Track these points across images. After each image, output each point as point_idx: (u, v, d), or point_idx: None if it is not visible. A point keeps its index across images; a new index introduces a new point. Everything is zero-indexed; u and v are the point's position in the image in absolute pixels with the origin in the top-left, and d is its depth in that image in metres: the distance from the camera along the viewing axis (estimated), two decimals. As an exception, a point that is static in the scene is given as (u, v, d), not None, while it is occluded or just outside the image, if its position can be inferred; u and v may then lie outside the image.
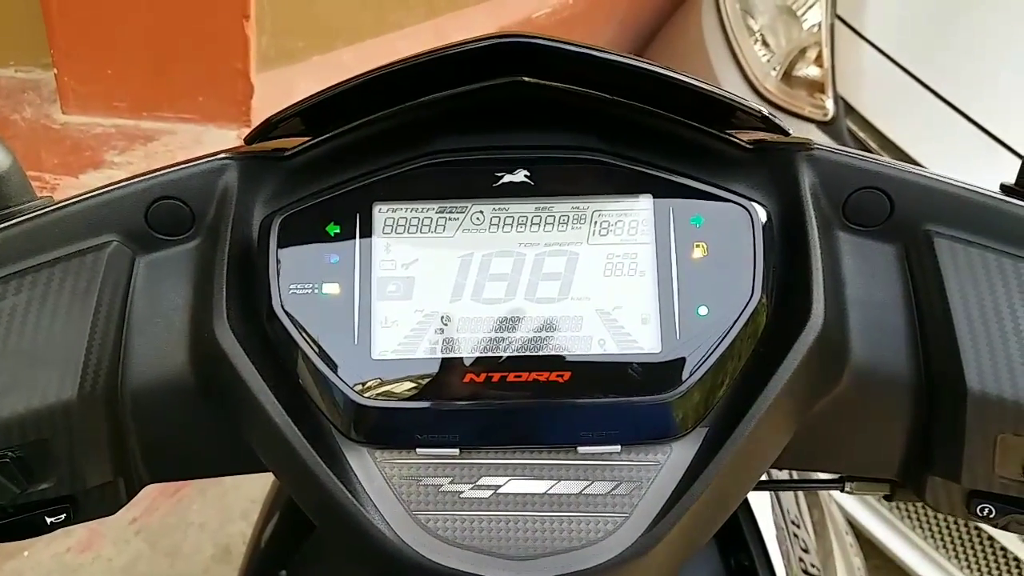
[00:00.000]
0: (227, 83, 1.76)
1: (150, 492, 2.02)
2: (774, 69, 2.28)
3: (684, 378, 0.49)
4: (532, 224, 0.51)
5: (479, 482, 0.49)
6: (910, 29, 2.13)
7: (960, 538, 1.92)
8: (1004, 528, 0.52)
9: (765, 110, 0.50)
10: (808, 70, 2.21)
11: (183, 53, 1.73)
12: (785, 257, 0.51)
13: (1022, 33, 2.01)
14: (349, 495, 0.47)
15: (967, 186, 0.51)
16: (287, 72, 1.90)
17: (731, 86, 2.24)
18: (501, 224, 0.51)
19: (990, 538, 1.87)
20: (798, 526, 1.02)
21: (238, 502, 2.07)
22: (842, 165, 0.52)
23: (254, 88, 1.79)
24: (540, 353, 0.49)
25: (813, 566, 1.00)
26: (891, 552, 1.98)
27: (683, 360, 0.49)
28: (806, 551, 1.00)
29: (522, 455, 0.50)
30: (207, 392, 0.51)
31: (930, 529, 1.96)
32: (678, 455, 0.49)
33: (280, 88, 1.85)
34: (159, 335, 0.51)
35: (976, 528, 1.88)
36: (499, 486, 0.49)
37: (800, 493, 1.11)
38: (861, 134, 2.03)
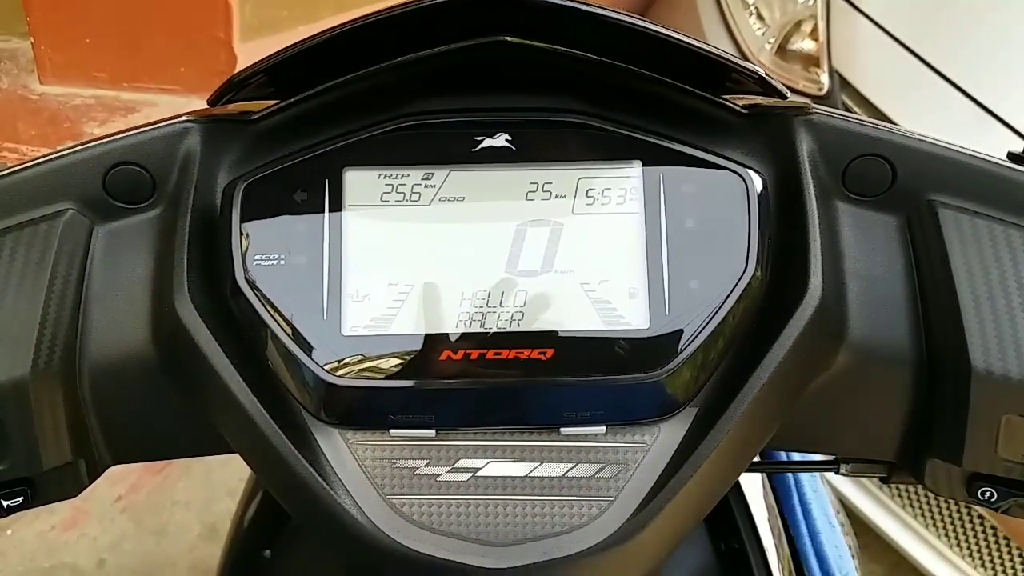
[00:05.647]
0: (209, 53, 1.72)
1: (135, 470, 2.02)
2: (768, 42, 2.24)
3: (673, 355, 0.47)
4: (513, 192, 0.48)
5: (456, 465, 0.47)
6: (907, 2, 2.10)
7: (952, 517, 1.92)
8: (1005, 512, 0.50)
9: (761, 71, 0.47)
10: (803, 43, 2.18)
11: (164, 22, 1.69)
12: (781, 228, 0.49)
13: (1020, 7, 1.99)
14: (319, 478, 0.45)
15: (974, 154, 0.49)
16: (271, 42, 1.85)
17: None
18: (480, 192, 0.48)
19: (980, 516, 1.87)
20: None
21: (225, 480, 2.06)
22: (842, 131, 0.49)
23: (237, 58, 1.75)
24: (521, 329, 0.47)
25: None
26: (880, 530, 1.98)
27: (672, 336, 0.47)
28: None
29: (502, 436, 0.48)
30: (169, 369, 0.48)
31: (920, 508, 1.96)
32: (666, 436, 0.47)
33: (264, 59, 1.81)
34: (119, 309, 0.49)
35: (969, 508, 1.88)
36: (478, 469, 0.47)
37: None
38: (856, 109, 2.01)
